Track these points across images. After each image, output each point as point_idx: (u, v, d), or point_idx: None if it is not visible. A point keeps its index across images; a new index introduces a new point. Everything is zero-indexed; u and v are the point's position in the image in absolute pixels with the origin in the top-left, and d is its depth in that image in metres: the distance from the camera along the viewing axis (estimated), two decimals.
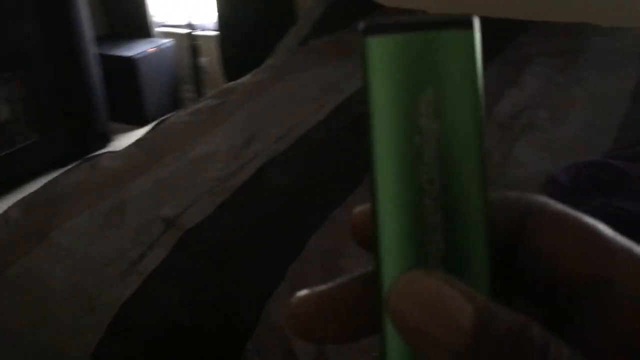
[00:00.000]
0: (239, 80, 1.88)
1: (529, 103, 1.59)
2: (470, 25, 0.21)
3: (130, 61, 3.29)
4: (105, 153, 1.46)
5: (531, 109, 1.56)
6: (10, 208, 1.23)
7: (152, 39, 3.57)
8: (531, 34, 2.17)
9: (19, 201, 1.26)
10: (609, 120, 1.48)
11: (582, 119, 1.50)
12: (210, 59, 3.58)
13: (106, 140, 3.23)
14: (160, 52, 3.47)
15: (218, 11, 3.27)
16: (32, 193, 1.29)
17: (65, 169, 2.93)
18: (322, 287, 0.23)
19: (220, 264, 1.08)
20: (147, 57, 3.37)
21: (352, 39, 2.24)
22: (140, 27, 3.62)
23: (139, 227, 1.14)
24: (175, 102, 3.67)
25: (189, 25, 3.19)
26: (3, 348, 1.00)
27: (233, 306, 1.00)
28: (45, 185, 1.32)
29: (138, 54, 3.32)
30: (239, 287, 1.03)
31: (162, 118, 1.67)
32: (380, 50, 0.21)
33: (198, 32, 3.42)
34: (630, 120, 1.46)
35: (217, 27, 3.35)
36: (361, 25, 0.20)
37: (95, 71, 3.06)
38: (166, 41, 3.53)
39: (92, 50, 3.02)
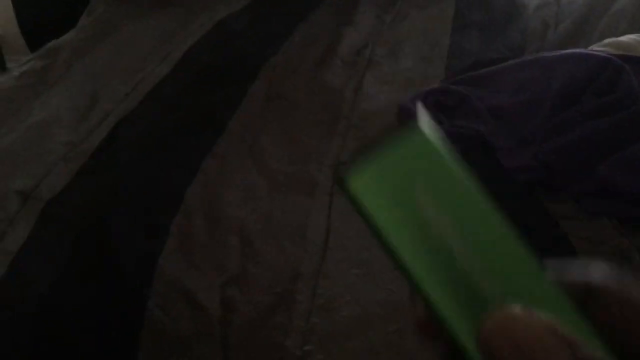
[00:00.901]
0: (62, 38, 1.71)
1: (366, 40, 1.68)
2: (416, 127, 0.25)
3: None
4: None
5: (369, 46, 1.64)
6: None
7: None
8: None
9: None
10: (438, 51, 1.62)
11: (415, 52, 1.62)
12: (5, 22, 3.19)
13: None
14: None
15: None
16: None
17: None
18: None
19: (94, 231, 1.01)
20: None
21: None
22: None
23: None
24: None
25: None
26: None
27: (119, 271, 0.95)
28: None
29: None
30: (121, 252, 0.98)
31: None
32: (364, 184, 0.24)
33: None
34: (455, 50, 1.61)
35: None
36: (336, 173, 0.22)
37: None
38: None
39: None
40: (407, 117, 1.31)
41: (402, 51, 1.64)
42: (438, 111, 1.30)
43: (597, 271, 0.22)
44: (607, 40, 1.44)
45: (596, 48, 1.40)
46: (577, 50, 1.38)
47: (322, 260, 0.97)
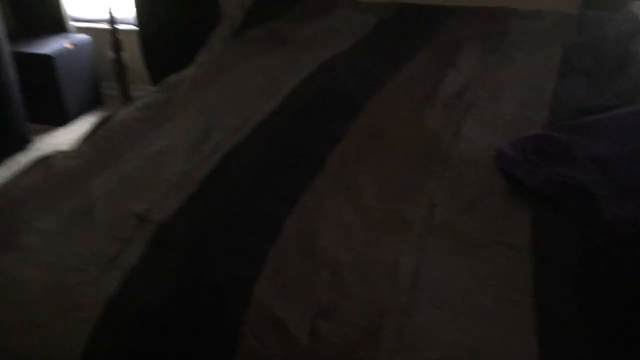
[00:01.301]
0: (182, 74, 1.87)
1: (468, 83, 1.69)
2: None
3: (46, 58, 3.14)
4: (55, 153, 1.41)
5: (471, 89, 1.66)
6: None
7: (67, 35, 3.42)
8: (457, 19, 2.28)
9: None
10: (542, 96, 1.61)
11: (517, 96, 1.62)
12: (132, 54, 3.49)
13: (26, 142, 3.08)
14: (78, 48, 3.33)
15: (136, 5, 3.19)
16: None
17: None
18: None
19: (199, 254, 1.09)
20: (65, 54, 3.24)
21: (285, 28, 2.27)
22: (53, 23, 3.46)
23: (112, 224, 1.13)
24: (95, 100, 3.54)
25: (108, 20, 3.08)
26: None
27: (220, 294, 1.01)
28: (0, 189, 1.26)
29: (55, 50, 3.18)
30: (222, 276, 1.04)
31: (107, 115, 1.63)
32: None
33: (118, 27, 3.31)
34: (560, 96, 1.59)
35: (136, 22, 3.26)
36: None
37: (9, 70, 2.91)
38: (83, 37, 3.40)
39: (5, 47, 2.86)
40: (504, 162, 1.31)
41: (505, 95, 1.64)
42: (537, 157, 1.29)
43: None
44: None
45: None
46: None
47: (410, 300, 0.99)
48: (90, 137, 1.48)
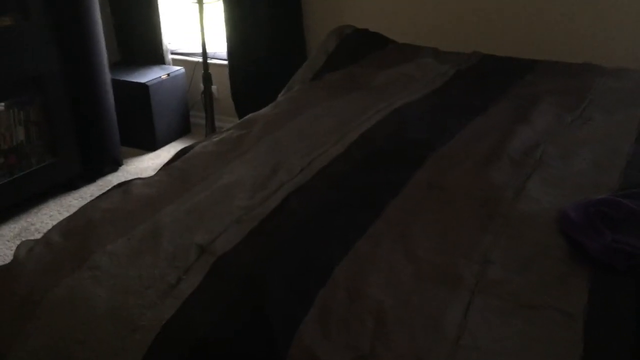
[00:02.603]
0: (259, 112, 1.96)
1: (539, 140, 1.68)
2: None
3: (143, 87, 3.38)
4: (135, 180, 1.52)
5: (541, 146, 1.64)
6: (50, 232, 1.29)
7: (164, 66, 3.67)
8: (538, 73, 2.26)
9: (58, 225, 1.32)
10: (616, 159, 1.56)
11: (590, 158, 1.58)
12: (220, 87, 3.68)
13: (117, 163, 3.30)
14: (172, 79, 3.56)
15: (228, 41, 3.38)
16: (70, 217, 1.35)
17: (78, 190, 3.02)
18: None
19: (252, 289, 1.14)
20: (160, 84, 3.47)
21: (363, 73, 2.33)
22: (154, 55, 3.72)
23: (175, 252, 1.20)
24: (184, 128, 3.75)
25: (202, 54, 3.28)
26: None
27: (266, 329, 1.05)
28: (81, 209, 1.38)
29: (150, 80, 3.41)
30: (270, 312, 1.08)
31: (185, 147, 1.74)
32: None
33: (210, 61, 3.51)
34: (636, 160, 1.54)
35: (227, 57, 3.45)
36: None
37: (109, 96, 3.15)
38: (178, 68, 3.63)
39: (106, 76, 3.11)
40: (567, 225, 1.28)
41: (577, 155, 1.61)
42: (602, 222, 1.25)
43: None
44: None
45: None
46: None
47: (450, 356, 0.99)
48: (166, 168, 1.59)
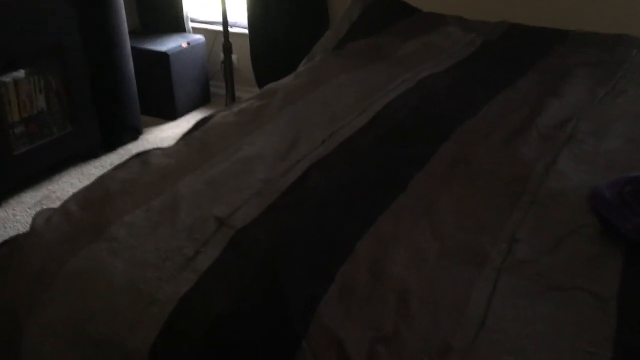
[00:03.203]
0: (280, 81, 1.91)
1: (570, 114, 1.61)
2: None
3: (163, 56, 3.34)
4: (153, 150, 1.49)
5: (573, 121, 1.57)
6: (67, 202, 1.27)
7: (185, 35, 3.62)
8: (569, 44, 2.18)
9: (75, 195, 1.30)
10: None
11: (624, 133, 1.51)
12: (240, 57, 3.63)
13: (137, 132, 3.29)
14: (192, 48, 3.51)
15: (248, 10, 3.31)
16: (87, 187, 1.33)
17: (98, 159, 3.01)
18: None
19: (270, 265, 1.11)
20: (180, 53, 3.42)
21: (388, 42, 2.26)
22: (174, 23, 3.67)
23: (193, 224, 1.18)
24: (204, 97, 3.72)
25: (222, 23, 3.22)
26: (64, 337, 1.04)
27: (285, 307, 1.03)
28: (99, 179, 1.36)
29: (171, 48, 3.37)
30: (290, 290, 1.06)
31: (205, 117, 1.70)
32: None
33: (231, 30, 3.46)
34: None
35: (248, 26, 3.38)
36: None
37: (128, 65, 3.12)
38: (198, 37, 3.58)
39: (126, 44, 3.07)
40: (598, 203, 1.23)
41: (610, 130, 1.54)
42: (636, 202, 1.20)
43: None
44: None
45: None
46: None
47: (475, 338, 0.95)
48: (186, 137, 1.56)
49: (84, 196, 1.29)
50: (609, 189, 1.25)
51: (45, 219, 1.23)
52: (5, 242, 1.29)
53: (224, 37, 3.28)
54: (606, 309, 1.01)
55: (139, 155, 1.47)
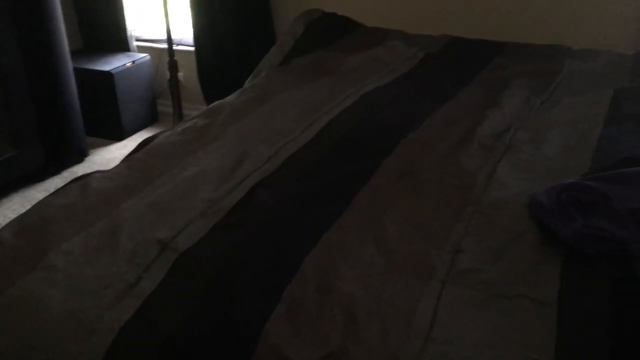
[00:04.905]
0: (225, 100, 1.90)
1: (508, 124, 1.65)
2: None
3: (107, 75, 3.28)
4: (94, 173, 1.45)
5: (511, 130, 1.61)
6: (2, 230, 1.22)
7: (129, 53, 3.56)
8: (507, 55, 2.24)
9: (10, 223, 1.25)
10: (586, 142, 1.54)
11: (560, 141, 1.56)
12: (187, 74, 3.59)
13: (83, 154, 3.21)
14: (138, 66, 3.47)
15: (194, 27, 3.29)
16: (23, 214, 1.29)
17: (42, 183, 2.92)
18: None
19: (217, 286, 1.09)
20: (125, 72, 3.37)
21: (332, 58, 2.28)
22: (118, 42, 3.61)
23: (135, 249, 1.15)
24: (151, 116, 3.66)
25: (167, 40, 3.19)
26: None
27: (232, 328, 1.01)
28: (36, 206, 1.31)
29: (115, 68, 3.32)
30: (237, 309, 1.04)
31: (148, 137, 1.67)
32: None
33: (176, 47, 3.42)
34: (605, 143, 1.52)
35: (194, 43, 3.36)
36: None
37: (71, 85, 3.05)
38: (143, 55, 3.53)
39: (68, 63, 3.00)
40: (538, 211, 1.26)
41: (546, 138, 1.59)
42: (573, 208, 1.24)
43: None
44: None
45: None
46: None
47: (422, 350, 0.96)
48: (128, 159, 1.52)
49: (19, 224, 1.24)
50: (546, 195, 1.28)
51: None
52: None
53: (169, 55, 3.25)
54: (547, 315, 1.03)
55: (78, 179, 1.43)
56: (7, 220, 2.59)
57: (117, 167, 1.49)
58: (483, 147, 1.53)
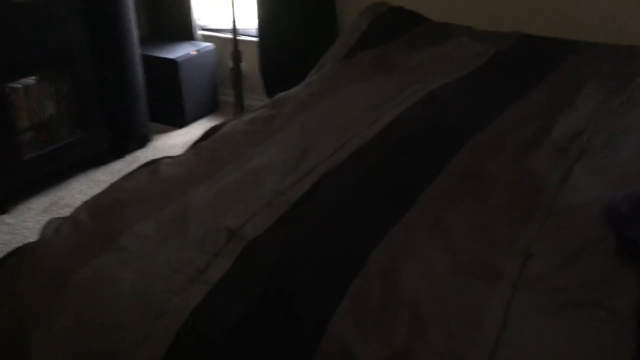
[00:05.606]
0: (290, 91, 1.91)
1: (583, 126, 1.59)
2: None
3: (172, 63, 3.35)
4: (163, 158, 1.48)
5: (587, 133, 1.56)
6: (77, 211, 1.26)
7: (194, 42, 3.62)
8: (581, 55, 2.16)
9: (85, 203, 1.29)
10: None
11: (639, 146, 1.49)
12: (249, 65, 3.63)
13: (146, 139, 3.29)
14: (202, 55, 3.52)
15: (259, 18, 3.31)
16: (97, 196, 1.32)
17: (106, 166, 3.01)
18: None
19: (282, 277, 1.09)
20: (189, 60, 3.43)
21: (397, 53, 2.25)
22: (184, 30, 3.68)
23: (204, 235, 1.16)
24: (213, 105, 3.72)
25: (232, 30, 3.22)
26: (72, 350, 1.03)
27: (296, 322, 1.01)
28: (109, 188, 1.35)
29: (180, 56, 3.37)
30: (301, 303, 1.04)
31: (215, 125, 1.70)
32: None
33: (240, 37, 3.46)
34: None
35: (258, 34, 3.39)
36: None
37: (138, 72, 3.13)
38: (207, 45, 3.58)
39: (136, 51, 3.08)
40: (615, 217, 1.21)
41: (625, 142, 1.52)
42: None
43: None
44: None
45: None
46: None
47: (492, 355, 0.94)
48: (196, 147, 1.55)
49: (94, 205, 1.28)
50: (624, 202, 1.23)
51: (54, 228, 1.22)
52: (14, 251, 1.28)
53: (233, 45, 3.28)
54: (623, 327, 0.99)
55: (148, 164, 1.47)
56: (74, 200, 2.69)
57: (185, 153, 1.51)
58: (556, 149, 1.47)
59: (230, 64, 3.37)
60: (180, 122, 3.51)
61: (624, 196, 1.26)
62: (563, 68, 2.04)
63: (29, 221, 2.56)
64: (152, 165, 1.45)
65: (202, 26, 3.78)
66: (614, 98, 1.76)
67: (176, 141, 3.34)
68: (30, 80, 2.65)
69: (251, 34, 3.60)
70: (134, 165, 2.73)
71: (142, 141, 3.28)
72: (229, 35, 3.54)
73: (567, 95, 1.77)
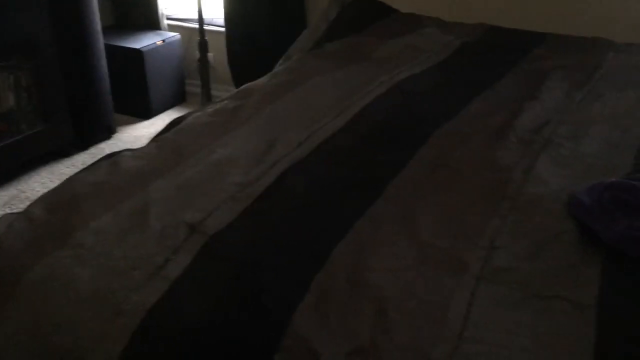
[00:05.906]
0: (256, 82, 1.87)
1: (548, 118, 1.60)
2: None
3: (138, 53, 3.28)
4: (124, 151, 1.44)
5: (551, 125, 1.56)
6: (32, 206, 1.22)
7: (160, 32, 3.55)
8: (547, 47, 2.17)
9: (41, 198, 1.24)
10: (628, 139, 1.49)
11: (602, 137, 1.51)
12: (217, 55, 3.57)
13: (111, 131, 3.22)
14: (167, 45, 3.45)
15: (225, 7, 3.26)
16: (53, 190, 1.28)
17: (70, 158, 2.94)
18: None
19: (244, 272, 1.07)
20: (155, 50, 3.36)
21: (365, 43, 2.23)
22: (149, 20, 3.60)
23: (164, 230, 1.13)
24: (179, 96, 3.66)
25: (198, 20, 3.17)
26: (28, 349, 0.99)
27: (260, 316, 0.99)
28: (66, 182, 1.31)
29: (146, 46, 3.31)
30: (264, 298, 1.02)
31: (178, 117, 1.66)
32: None
33: (207, 27, 3.40)
34: None
35: (225, 24, 3.33)
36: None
37: (102, 62, 3.05)
38: (173, 34, 3.51)
39: (99, 41, 3.00)
40: (578, 209, 1.22)
41: (588, 134, 1.53)
42: (615, 207, 1.19)
43: None
44: None
45: None
46: None
47: (455, 349, 0.93)
48: (158, 139, 1.51)
49: (50, 199, 1.24)
50: (587, 194, 1.24)
51: (7, 225, 1.17)
52: None
53: (199, 35, 3.22)
54: (585, 318, 0.99)
55: (108, 156, 1.42)
56: (35, 194, 2.62)
57: (146, 146, 1.47)
58: (521, 141, 1.48)
59: (197, 54, 3.31)
60: (146, 113, 3.45)
61: (587, 188, 1.26)
62: (529, 60, 2.05)
63: None
64: (112, 158, 1.41)
65: (169, 16, 3.71)
66: (577, 90, 1.78)
67: (142, 133, 3.28)
68: None
69: (218, 24, 3.55)
70: (95, 160, 2.67)
71: (107, 133, 3.21)
72: (196, 25, 3.48)
73: (532, 87, 1.77)
